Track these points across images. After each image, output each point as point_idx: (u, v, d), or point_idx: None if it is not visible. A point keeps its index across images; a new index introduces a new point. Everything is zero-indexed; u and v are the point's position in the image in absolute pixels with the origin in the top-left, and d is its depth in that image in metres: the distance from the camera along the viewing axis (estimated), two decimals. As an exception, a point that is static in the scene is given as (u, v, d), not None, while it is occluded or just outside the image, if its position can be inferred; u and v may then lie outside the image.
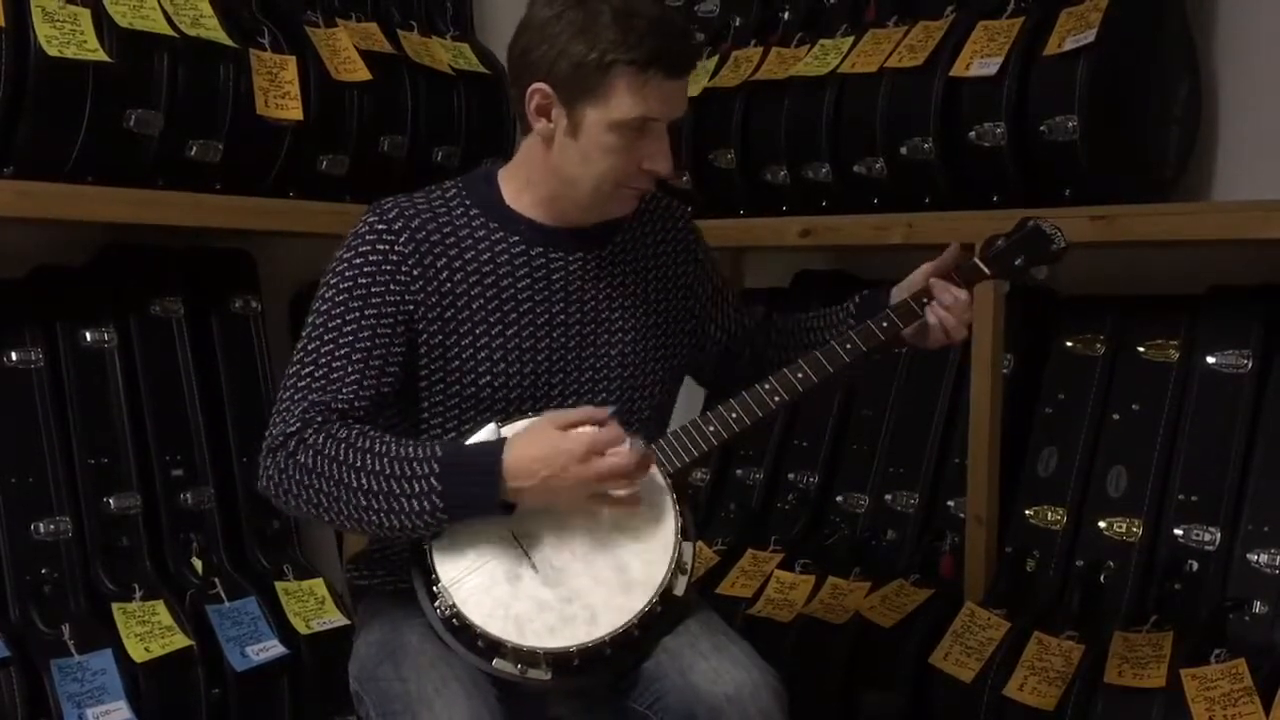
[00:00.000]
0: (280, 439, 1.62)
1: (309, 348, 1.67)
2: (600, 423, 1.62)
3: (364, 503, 1.59)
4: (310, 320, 1.70)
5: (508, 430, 1.66)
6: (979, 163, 2.37)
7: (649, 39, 1.60)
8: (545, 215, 1.75)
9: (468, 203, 1.75)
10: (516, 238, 1.74)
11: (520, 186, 1.76)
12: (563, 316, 1.75)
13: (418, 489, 1.57)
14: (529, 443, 1.60)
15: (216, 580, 2.48)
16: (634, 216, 1.83)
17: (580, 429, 1.61)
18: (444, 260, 1.70)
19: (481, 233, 1.73)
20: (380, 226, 1.70)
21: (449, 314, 1.70)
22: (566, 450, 1.58)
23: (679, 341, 1.87)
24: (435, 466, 1.58)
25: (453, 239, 1.72)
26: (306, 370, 1.66)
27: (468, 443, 1.65)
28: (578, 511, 1.64)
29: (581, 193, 1.70)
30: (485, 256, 1.72)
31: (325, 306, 1.68)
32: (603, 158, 1.66)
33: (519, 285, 1.73)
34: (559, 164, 1.69)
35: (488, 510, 1.60)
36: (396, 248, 1.69)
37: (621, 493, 1.62)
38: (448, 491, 1.57)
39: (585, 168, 1.67)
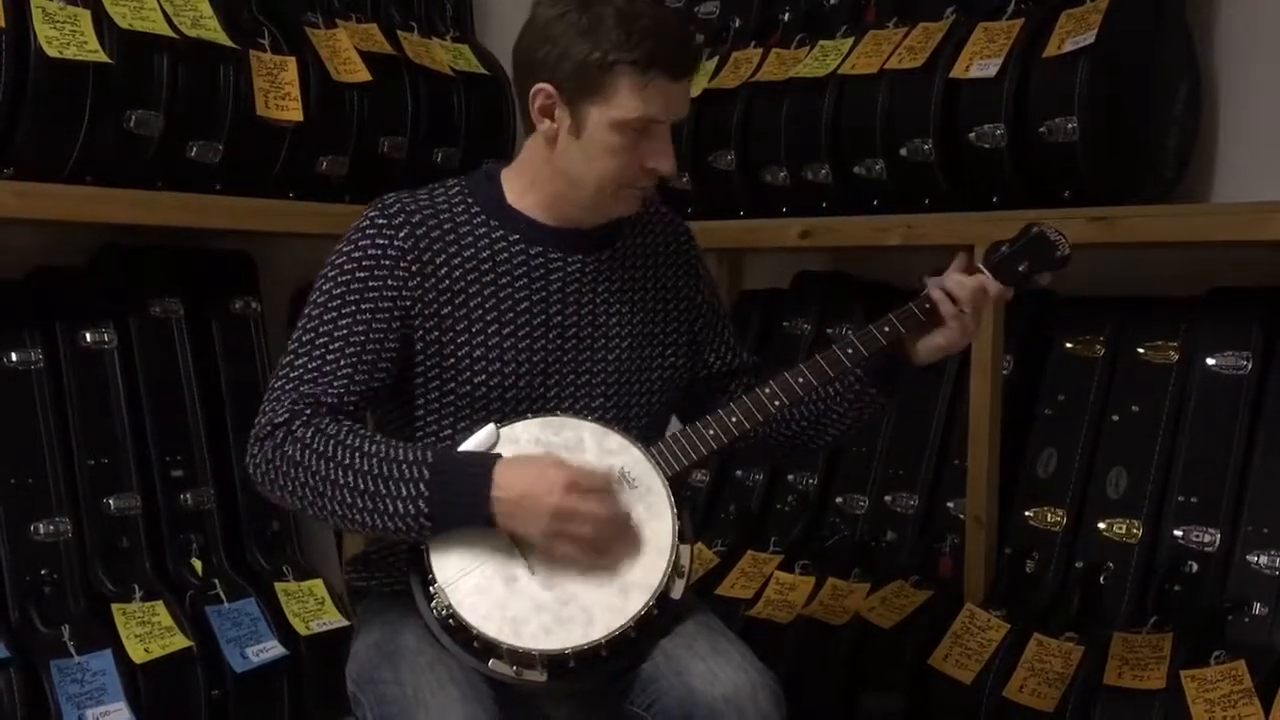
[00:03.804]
0: (268, 429, 1.63)
1: (303, 339, 1.67)
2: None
3: (349, 500, 1.59)
4: (306, 311, 1.70)
5: (506, 431, 1.66)
6: (978, 164, 2.37)
7: (651, 40, 1.61)
8: (547, 216, 1.75)
9: (470, 200, 1.76)
10: (517, 236, 1.74)
11: (524, 186, 1.76)
12: (560, 318, 1.75)
13: (405, 492, 1.57)
14: (524, 465, 1.60)
15: (216, 581, 2.48)
16: (636, 225, 1.83)
17: (573, 464, 1.61)
18: (443, 257, 1.70)
19: (482, 230, 1.73)
20: (381, 221, 1.71)
21: (446, 310, 1.70)
22: (553, 476, 1.58)
23: (678, 352, 1.86)
24: (425, 472, 1.58)
25: (453, 235, 1.72)
26: (300, 361, 1.66)
27: (464, 444, 1.65)
28: None
29: (585, 193, 1.70)
30: (485, 254, 1.72)
31: (322, 299, 1.69)
32: (606, 157, 1.66)
33: (517, 284, 1.73)
34: (562, 164, 1.70)
35: (471, 521, 1.59)
36: (396, 243, 1.69)
37: (583, 534, 1.59)
38: (435, 498, 1.57)
39: (588, 167, 1.68)
